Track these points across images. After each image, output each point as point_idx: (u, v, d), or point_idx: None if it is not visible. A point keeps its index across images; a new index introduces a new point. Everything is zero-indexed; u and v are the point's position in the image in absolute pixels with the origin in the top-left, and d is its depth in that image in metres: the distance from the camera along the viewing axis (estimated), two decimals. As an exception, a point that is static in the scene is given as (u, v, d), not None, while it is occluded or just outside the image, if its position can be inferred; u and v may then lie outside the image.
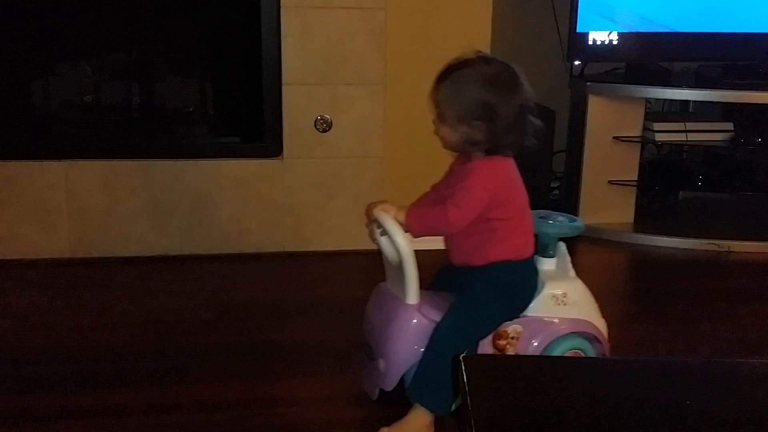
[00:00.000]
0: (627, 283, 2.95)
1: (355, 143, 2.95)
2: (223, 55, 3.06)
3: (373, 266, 2.91)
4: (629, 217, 3.28)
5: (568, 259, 2.00)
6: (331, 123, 2.92)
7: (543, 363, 1.39)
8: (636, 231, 3.23)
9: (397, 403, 1.91)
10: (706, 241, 3.15)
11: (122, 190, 2.87)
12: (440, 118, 1.82)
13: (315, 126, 2.91)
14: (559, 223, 2.01)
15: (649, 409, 1.07)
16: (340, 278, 2.82)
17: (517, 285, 1.91)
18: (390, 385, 1.89)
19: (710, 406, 1.07)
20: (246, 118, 2.97)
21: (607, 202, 3.22)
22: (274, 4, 2.79)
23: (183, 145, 2.98)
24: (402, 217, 1.85)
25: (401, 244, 1.83)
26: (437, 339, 1.84)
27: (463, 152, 1.86)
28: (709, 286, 2.85)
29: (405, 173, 2.96)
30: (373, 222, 1.90)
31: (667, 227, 3.28)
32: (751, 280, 2.91)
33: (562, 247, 2.01)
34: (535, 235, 1.95)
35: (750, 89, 3.10)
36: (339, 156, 2.95)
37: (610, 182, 3.24)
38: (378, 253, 2.98)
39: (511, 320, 1.90)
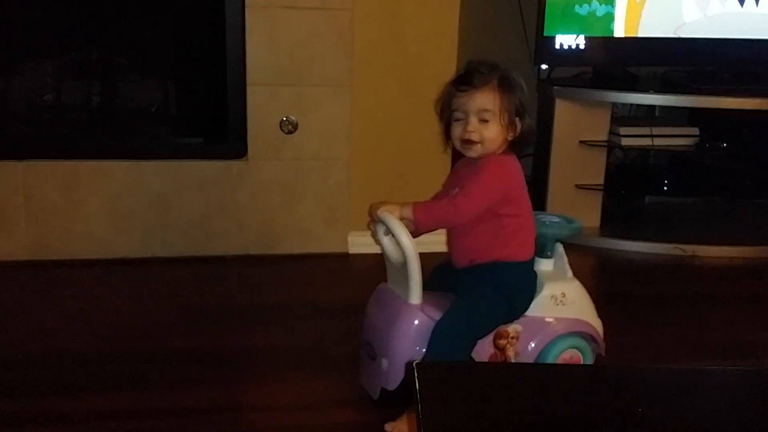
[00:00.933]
0: (592, 287, 2.91)
1: (320, 145, 2.92)
2: (186, 55, 3.01)
3: (339, 269, 2.91)
4: (595, 221, 3.28)
5: (566, 259, 2.04)
6: (297, 124, 2.88)
7: (496, 371, 1.39)
8: (602, 235, 3.24)
9: (373, 410, 1.92)
10: (672, 245, 3.16)
11: (82, 192, 2.82)
12: (486, 119, 1.85)
13: (280, 127, 2.88)
14: (557, 224, 2.05)
15: (600, 416, 1.07)
16: (305, 282, 2.78)
17: (519, 287, 1.94)
18: (393, 384, 1.90)
19: (662, 413, 1.07)
20: (210, 118, 2.92)
21: (573, 206, 3.21)
22: (239, 3, 2.75)
23: (145, 146, 2.93)
24: (408, 212, 1.85)
25: (406, 244, 1.84)
26: (437, 338, 1.85)
27: (483, 154, 1.88)
28: (674, 290, 2.86)
29: (371, 175, 2.95)
30: (376, 222, 1.92)
31: (632, 231, 3.29)
32: (716, 285, 2.92)
33: (560, 248, 2.05)
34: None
35: (715, 94, 3.11)
36: (305, 158, 2.92)
37: (577, 186, 3.24)
38: (345, 257, 3.00)
39: (511, 321, 1.93)
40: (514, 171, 1.90)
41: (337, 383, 2.08)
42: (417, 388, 1.06)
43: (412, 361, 1.13)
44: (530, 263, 1.96)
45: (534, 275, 1.97)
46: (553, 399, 1.11)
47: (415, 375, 1.08)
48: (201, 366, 2.17)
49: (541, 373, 1.35)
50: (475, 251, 1.92)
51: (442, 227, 1.94)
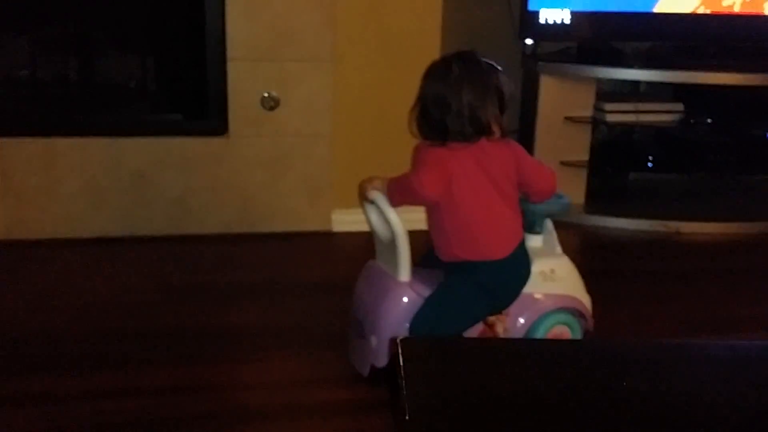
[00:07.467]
0: (576, 264, 2.92)
1: (302, 122, 2.88)
2: (165, 29, 2.96)
3: (322, 248, 2.88)
4: (580, 197, 3.27)
5: (555, 236, 2.04)
6: (279, 100, 2.84)
7: (480, 346, 1.39)
8: (587, 212, 3.22)
9: (356, 388, 1.92)
10: (656, 222, 3.16)
11: (60, 169, 2.77)
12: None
13: (261, 104, 2.84)
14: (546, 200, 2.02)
15: (583, 390, 1.07)
16: (287, 260, 2.76)
17: (496, 286, 1.88)
18: (382, 361, 1.90)
19: (646, 386, 1.07)
20: (190, 94, 2.88)
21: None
22: (219, -24, 2.70)
23: (124, 123, 2.88)
24: (384, 186, 1.88)
25: (394, 221, 1.85)
26: (414, 330, 1.84)
27: (425, 140, 1.88)
28: (658, 267, 2.86)
29: (354, 152, 2.91)
30: (366, 200, 1.92)
31: (617, 208, 3.28)
32: (699, 261, 2.92)
33: (549, 224, 2.04)
34: (522, 213, 1.95)
35: (700, 70, 3.09)
36: (286, 134, 2.88)
37: (562, 163, 3.22)
38: (329, 235, 2.97)
39: (493, 314, 1.92)
40: (429, 158, 1.84)
41: (320, 361, 2.06)
42: (401, 364, 1.06)
43: (396, 338, 1.12)
44: (504, 262, 1.87)
45: (514, 272, 1.90)
46: (539, 373, 1.11)
47: (399, 351, 1.07)
48: (182, 345, 2.15)
49: (526, 347, 1.35)
50: (441, 249, 1.89)
51: (411, 202, 1.87)
